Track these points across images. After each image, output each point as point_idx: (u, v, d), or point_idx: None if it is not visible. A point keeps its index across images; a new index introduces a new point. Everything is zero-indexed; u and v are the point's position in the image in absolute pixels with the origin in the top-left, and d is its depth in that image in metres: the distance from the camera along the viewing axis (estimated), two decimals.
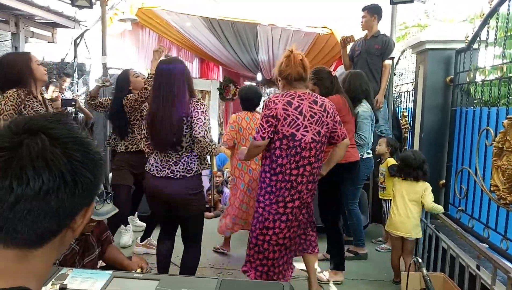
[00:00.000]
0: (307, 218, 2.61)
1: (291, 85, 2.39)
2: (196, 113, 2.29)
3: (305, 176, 2.34)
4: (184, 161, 2.34)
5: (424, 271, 1.68)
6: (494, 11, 3.15)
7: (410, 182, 2.91)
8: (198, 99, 2.38)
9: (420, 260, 1.79)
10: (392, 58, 4.01)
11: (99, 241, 2.02)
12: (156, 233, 3.54)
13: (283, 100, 2.29)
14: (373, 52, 4.01)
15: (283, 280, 2.45)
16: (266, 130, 2.29)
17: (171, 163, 2.34)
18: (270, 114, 2.28)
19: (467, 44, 3.58)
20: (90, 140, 0.63)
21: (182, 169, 2.33)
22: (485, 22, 3.25)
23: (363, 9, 4.09)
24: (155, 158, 2.40)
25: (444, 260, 2.71)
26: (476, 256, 2.63)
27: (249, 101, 3.37)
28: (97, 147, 0.65)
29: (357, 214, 3.51)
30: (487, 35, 3.21)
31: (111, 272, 1.27)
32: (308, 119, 2.29)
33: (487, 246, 2.67)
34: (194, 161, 2.37)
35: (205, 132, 2.26)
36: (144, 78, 3.23)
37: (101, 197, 1.86)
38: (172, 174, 2.33)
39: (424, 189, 2.88)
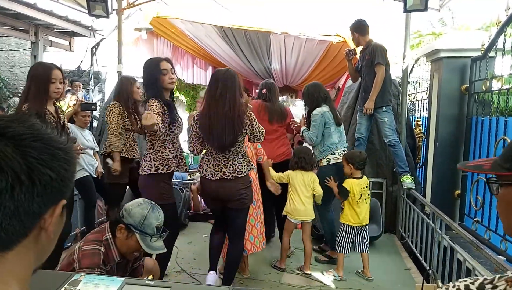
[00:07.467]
0: None
1: None
2: (254, 124, 2.63)
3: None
4: (233, 163, 2.64)
5: (439, 283, 1.64)
6: (511, 19, 3.10)
7: (304, 172, 3.33)
8: (248, 108, 2.66)
9: (435, 272, 1.76)
10: (379, 63, 3.80)
11: (131, 267, 2.04)
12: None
13: None
14: (366, 64, 3.99)
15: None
16: None
17: (221, 166, 2.64)
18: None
19: (483, 52, 3.53)
20: (53, 136, 0.59)
21: (233, 171, 2.63)
22: (501, 30, 3.20)
23: None
24: (207, 164, 2.69)
25: (459, 272, 2.64)
26: (493, 269, 2.56)
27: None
28: (64, 142, 0.60)
29: (328, 219, 3.56)
30: (504, 43, 3.17)
31: (123, 278, 1.28)
32: None
33: (504, 259, 2.60)
34: (241, 163, 2.67)
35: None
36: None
37: (158, 232, 1.83)
38: (224, 176, 2.63)
39: (313, 179, 3.33)
